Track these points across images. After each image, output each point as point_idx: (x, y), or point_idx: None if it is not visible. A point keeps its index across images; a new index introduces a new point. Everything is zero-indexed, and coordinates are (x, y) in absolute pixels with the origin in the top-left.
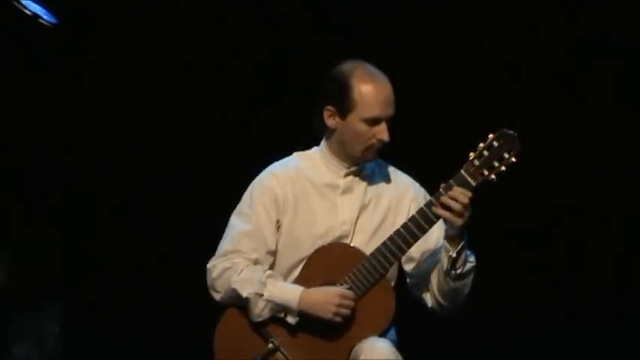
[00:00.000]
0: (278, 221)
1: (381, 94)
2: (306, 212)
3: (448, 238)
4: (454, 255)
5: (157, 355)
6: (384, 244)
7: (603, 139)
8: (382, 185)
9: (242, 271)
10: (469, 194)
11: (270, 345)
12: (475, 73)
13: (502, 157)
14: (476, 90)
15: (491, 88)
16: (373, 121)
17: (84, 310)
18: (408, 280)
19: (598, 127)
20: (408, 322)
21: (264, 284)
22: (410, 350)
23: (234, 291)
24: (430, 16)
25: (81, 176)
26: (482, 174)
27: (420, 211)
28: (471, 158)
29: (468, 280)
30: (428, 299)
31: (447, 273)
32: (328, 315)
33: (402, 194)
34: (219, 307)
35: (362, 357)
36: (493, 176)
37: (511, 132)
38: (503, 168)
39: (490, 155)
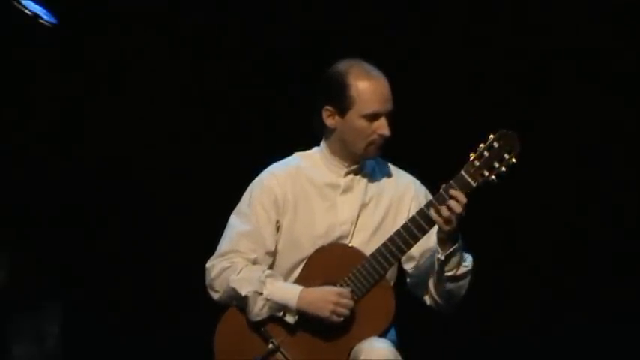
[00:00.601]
0: (277, 222)
1: (378, 90)
2: (306, 212)
3: (439, 240)
4: (442, 258)
5: (157, 355)
6: (384, 244)
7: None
8: (383, 184)
9: (241, 270)
10: (463, 201)
11: (270, 345)
12: (475, 73)
13: (502, 157)
14: (476, 90)
15: (492, 88)
16: (373, 117)
17: (84, 310)
18: (408, 279)
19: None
20: (408, 322)
21: (263, 283)
22: (410, 350)
23: (233, 290)
24: (430, 16)
25: (81, 176)
26: (482, 175)
27: (420, 212)
28: (471, 159)
29: (463, 283)
30: (426, 298)
31: (438, 275)
32: (326, 313)
33: (402, 193)
34: (219, 307)
35: (362, 357)
36: (493, 177)
37: (511, 133)
38: (503, 169)
39: (490, 156)
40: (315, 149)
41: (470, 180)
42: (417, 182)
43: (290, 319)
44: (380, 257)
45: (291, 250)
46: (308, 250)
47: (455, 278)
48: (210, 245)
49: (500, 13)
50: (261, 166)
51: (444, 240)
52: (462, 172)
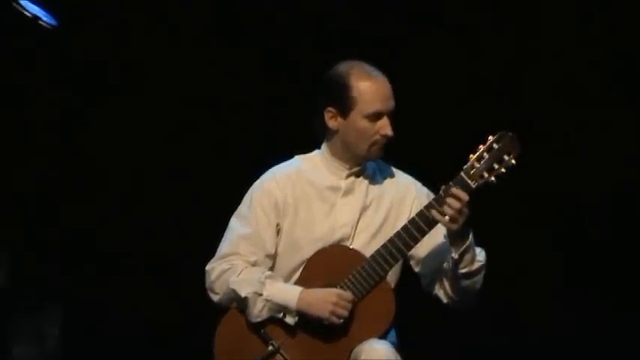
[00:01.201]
0: (278, 225)
1: (379, 89)
2: (306, 215)
3: (450, 239)
4: (456, 257)
5: (157, 355)
6: (383, 246)
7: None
8: (384, 185)
9: (241, 272)
10: (464, 199)
11: (270, 347)
12: (475, 73)
13: (502, 159)
14: (476, 90)
15: (492, 88)
16: (375, 117)
17: (84, 311)
18: (421, 280)
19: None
20: (408, 323)
21: (262, 284)
22: (410, 352)
23: (233, 291)
24: (430, 17)
25: (81, 176)
26: (481, 176)
27: (420, 214)
28: (470, 160)
29: (478, 278)
30: (442, 296)
31: (453, 273)
32: (325, 314)
33: (403, 194)
34: (220, 309)
35: (362, 358)
36: (493, 178)
37: (511, 134)
38: (503, 170)
39: (490, 157)
40: (315, 152)
41: (469, 181)
42: (418, 184)
43: (290, 320)
44: (380, 259)
45: (291, 253)
46: (308, 252)
47: (470, 274)
48: (210, 247)
49: (501, 14)
50: (262, 168)
51: (455, 239)
52: (462, 173)
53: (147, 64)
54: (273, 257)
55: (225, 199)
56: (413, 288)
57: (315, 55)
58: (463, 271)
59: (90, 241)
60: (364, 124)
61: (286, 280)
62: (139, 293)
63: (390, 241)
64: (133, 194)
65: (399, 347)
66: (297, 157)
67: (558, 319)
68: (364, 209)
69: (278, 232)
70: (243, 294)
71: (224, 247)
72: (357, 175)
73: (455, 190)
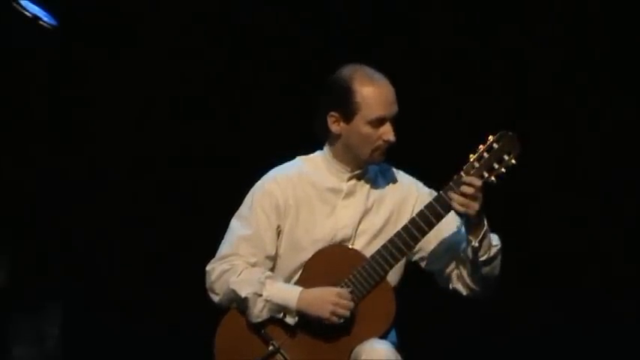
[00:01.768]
0: (278, 226)
1: (383, 94)
2: (307, 217)
3: (468, 229)
4: (476, 245)
5: (157, 356)
6: (383, 246)
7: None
8: (385, 188)
9: (241, 272)
10: (477, 184)
11: (271, 347)
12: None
13: (502, 159)
14: (476, 90)
15: (492, 88)
16: (378, 122)
17: (84, 311)
18: (436, 277)
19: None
20: (408, 323)
21: (262, 284)
22: (410, 351)
23: (233, 292)
24: (430, 18)
25: (81, 176)
26: (482, 176)
27: (420, 213)
28: (470, 160)
29: (496, 263)
30: (461, 289)
31: (473, 262)
32: (326, 314)
33: (405, 196)
34: (220, 309)
35: (362, 358)
36: (493, 178)
37: (511, 134)
38: (503, 170)
39: (490, 157)
40: (317, 153)
41: None
42: (420, 184)
43: (290, 320)
44: (380, 259)
45: (292, 254)
46: (309, 253)
47: (489, 261)
48: (210, 248)
49: (500, 13)
50: (263, 169)
51: (472, 226)
52: (462, 173)
53: (147, 64)
54: (274, 258)
55: (226, 199)
56: (413, 288)
57: (316, 54)
58: (483, 258)
59: (90, 241)
60: (367, 129)
61: (287, 280)
62: (138, 293)
63: (391, 241)
64: (134, 194)
65: (399, 347)
66: (298, 158)
67: (559, 319)
68: (366, 212)
69: (279, 233)
70: (243, 294)
71: (224, 247)
72: (359, 177)
73: (464, 178)
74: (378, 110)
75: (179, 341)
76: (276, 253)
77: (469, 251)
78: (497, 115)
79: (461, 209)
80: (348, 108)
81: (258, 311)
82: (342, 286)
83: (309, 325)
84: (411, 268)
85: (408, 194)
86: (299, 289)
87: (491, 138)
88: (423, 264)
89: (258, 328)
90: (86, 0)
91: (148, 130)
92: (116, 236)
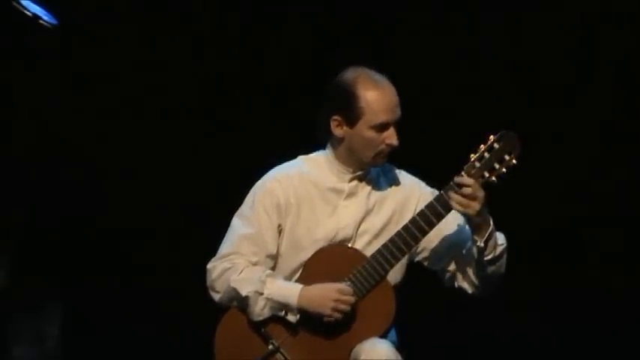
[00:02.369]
0: (280, 225)
1: (386, 99)
2: (308, 216)
3: (473, 229)
4: (482, 245)
5: (157, 355)
6: (384, 245)
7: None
8: (387, 189)
9: (242, 271)
10: (474, 185)
11: (271, 346)
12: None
13: (503, 159)
14: (476, 91)
15: (492, 89)
16: (382, 127)
17: (84, 311)
18: (441, 276)
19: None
20: (408, 322)
21: (263, 282)
22: (410, 351)
23: (234, 290)
24: (431, 18)
25: (81, 176)
26: (482, 176)
27: (421, 213)
28: (471, 160)
29: (502, 262)
30: (467, 287)
31: (479, 262)
32: (327, 310)
33: (407, 196)
34: (220, 308)
35: (362, 357)
36: (494, 178)
37: (512, 134)
38: (504, 170)
39: (491, 157)
40: (319, 153)
41: None
42: (423, 183)
43: (292, 318)
44: (380, 258)
45: (292, 253)
46: (309, 252)
47: (494, 260)
48: (211, 246)
49: (502, 13)
50: (264, 168)
51: (477, 226)
52: (463, 173)
53: (147, 64)
54: (275, 257)
55: (227, 197)
56: (413, 288)
57: (318, 53)
58: (488, 257)
59: (90, 241)
60: (370, 134)
61: (288, 279)
62: (138, 293)
63: (391, 240)
64: (134, 194)
65: (399, 346)
66: (300, 158)
67: (559, 319)
68: (367, 212)
69: (280, 232)
70: (244, 293)
71: (225, 246)
72: (361, 178)
73: (459, 179)
74: (382, 115)
75: (179, 341)
76: (277, 252)
77: (475, 251)
78: (498, 115)
79: (460, 209)
80: (351, 113)
81: (260, 309)
82: None
83: (309, 323)
84: (412, 267)
85: (410, 194)
86: (299, 286)
87: (492, 138)
88: (426, 263)
89: (258, 327)
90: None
91: (150, 130)
92: (116, 236)
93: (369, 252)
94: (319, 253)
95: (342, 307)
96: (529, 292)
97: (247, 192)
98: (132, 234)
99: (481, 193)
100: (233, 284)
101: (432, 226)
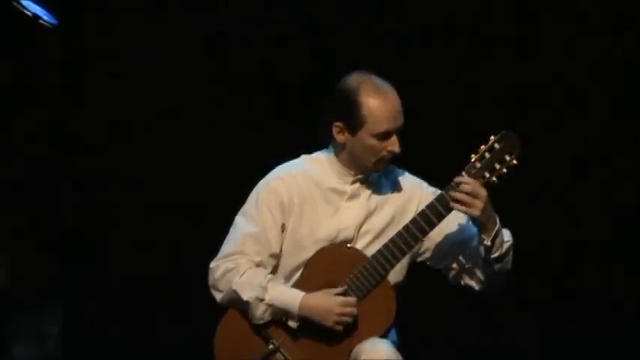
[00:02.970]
0: (283, 225)
1: (389, 108)
2: (310, 216)
3: (479, 228)
4: (489, 243)
5: (157, 355)
6: (384, 245)
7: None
8: (388, 190)
9: (244, 273)
10: (473, 184)
11: (271, 346)
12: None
13: (503, 159)
14: (477, 90)
15: (492, 88)
16: (384, 135)
17: (84, 311)
18: (446, 274)
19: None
20: (408, 322)
21: (264, 289)
22: (410, 351)
23: (235, 292)
24: (431, 19)
25: (81, 175)
26: (483, 176)
27: (421, 213)
28: (472, 160)
29: (508, 259)
30: (474, 284)
31: (486, 260)
32: (329, 323)
33: (409, 197)
34: (220, 308)
35: (362, 357)
36: (494, 178)
37: (513, 134)
38: (504, 170)
39: (491, 157)
40: (322, 153)
41: None
42: (425, 184)
43: (292, 324)
44: (381, 258)
45: (294, 252)
46: (311, 252)
47: (501, 257)
48: (212, 245)
49: (502, 12)
50: (266, 167)
51: (484, 225)
52: (463, 173)
53: (146, 64)
54: (278, 256)
55: (229, 196)
56: (413, 288)
57: (319, 51)
58: (495, 255)
59: (90, 241)
60: (372, 142)
61: (288, 278)
62: (138, 292)
63: (392, 240)
64: (135, 193)
65: (399, 346)
66: (303, 157)
67: (559, 319)
68: (368, 214)
69: (283, 231)
70: (245, 297)
71: (229, 245)
72: (363, 180)
73: (458, 179)
74: (385, 124)
75: (179, 341)
76: (280, 251)
77: (481, 250)
78: (499, 115)
79: (461, 209)
80: (353, 120)
81: (261, 314)
82: (342, 286)
83: (310, 324)
84: (412, 267)
85: (412, 195)
86: (301, 293)
87: (492, 138)
88: (430, 262)
89: (258, 327)
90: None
91: (150, 129)
92: (116, 236)
93: (369, 252)
94: (320, 253)
95: (345, 319)
96: (529, 292)
97: (250, 190)
98: (132, 234)
99: (482, 193)
100: (234, 287)
101: (432, 226)
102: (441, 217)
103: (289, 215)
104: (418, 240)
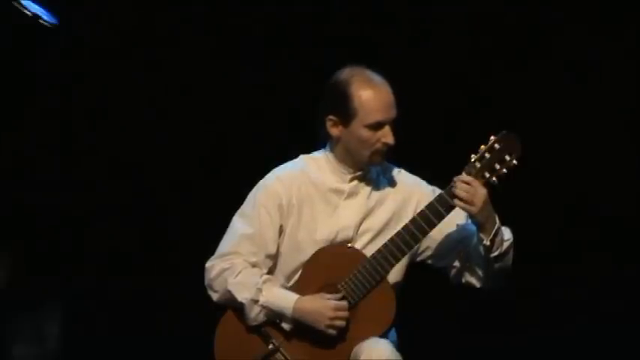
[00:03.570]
0: (281, 226)
1: (381, 99)
2: (309, 217)
3: (478, 227)
4: (488, 243)
5: (157, 355)
6: (384, 245)
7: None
8: (387, 188)
9: (240, 273)
10: (473, 184)
11: (271, 346)
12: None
13: (503, 159)
14: (477, 91)
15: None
16: (376, 126)
17: (84, 310)
18: (447, 271)
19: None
20: (408, 322)
21: (260, 290)
22: (410, 351)
23: (230, 293)
24: (432, 17)
25: (81, 175)
26: (483, 176)
27: (421, 213)
28: (472, 160)
29: (509, 256)
30: (475, 282)
31: (486, 259)
32: (321, 326)
33: (407, 196)
34: (220, 307)
35: (362, 357)
36: (494, 179)
37: (513, 134)
38: (504, 170)
39: (491, 157)
40: (320, 152)
41: None
42: (423, 183)
43: (286, 326)
44: (380, 258)
45: (293, 254)
46: (310, 253)
47: (501, 256)
48: (211, 245)
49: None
50: (266, 167)
51: (483, 224)
52: (463, 173)
53: (147, 63)
54: (274, 258)
55: (227, 196)
56: (413, 287)
57: (319, 53)
58: (495, 254)
59: (90, 241)
60: (365, 133)
61: (288, 279)
62: (138, 292)
63: (391, 240)
64: (134, 193)
65: (399, 347)
66: (301, 157)
67: (559, 319)
68: (367, 213)
69: (281, 233)
70: (239, 298)
71: (225, 245)
72: (361, 178)
73: (458, 177)
74: (376, 115)
75: (179, 341)
76: (277, 253)
77: (481, 249)
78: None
79: (462, 206)
80: (345, 112)
81: (255, 315)
82: (342, 285)
83: (309, 325)
84: (412, 267)
85: (410, 194)
86: (295, 296)
87: (492, 138)
88: (431, 261)
89: (258, 327)
90: None
91: (150, 128)
92: (116, 236)
93: (369, 252)
94: (319, 253)
95: (338, 323)
96: (530, 292)
97: (248, 190)
98: (132, 234)
99: (482, 191)
100: (230, 287)
101: (432, 226)
102: (440, 218)
103: (288, 217)
104: (418, 240)
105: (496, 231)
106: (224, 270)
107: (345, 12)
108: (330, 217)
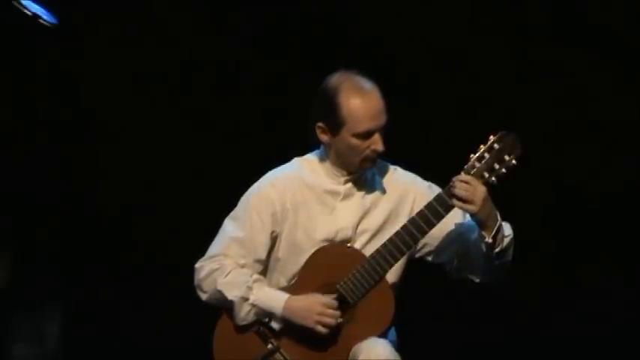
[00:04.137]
0: (273, 232)
1: (369, 108)
2: (306, 218)
3: (479, 225)
4: (490, 240)
5: (157, 355)
6: (383, 245)
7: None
8: (383, 187)
9: (229, 273)
10: (468, 179)
11: (270, 346)
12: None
13: (502, 159)
14: (477, 91)
15: (492, 89)
16: (365, 135)
17: (84, 311)
18: (446, 268)
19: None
20: (407, 322)
21: (250, 288)
22: (410, 351)
23: (220, 292)
24: (431, 16)
25: (81, 175)
26: (482, 176)
27: (420, 213)
28: (471, 160)
29: (509, 252)
30: (474, 277)
31: (487, 255)
32: (310, 323)
33: (404, 194)
34: (219, 307)
35: (361, 357)
36: (493, 178)
37: (512, 134)
38: (503, 170)
39: (491, 157)
40: (314, 154)
41: None
42: (419, 180)
43: (276, 325)
44: (379, 258)
45: (293, 257)
46: (310, 253)
47: (502, 252)
48: (206, 246)
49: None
50: (258, 167)
51: (484, 222)
52: (462, 172)
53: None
54: (264, 262)
55: (223, 198)
56: (412, 287)
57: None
58: (496, 250)
59: (90, 241)
60: (354, 141)
61: (288, 282)
62: (138, 292)
63: (390, 240)
64: (133, 193)
65: (399, 347)
66: (295, 160)
67: (559, 319)
68: (364, 213)
69: (275, 238)
70: (229, 297)
71: (214, 247)
72: (356, 180)
73: (457, 177)
74: (365, 124)
75: (179, 341)
76: (268, 257)
77: (483, 246)
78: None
79: (459, 205)
80: (334, 121)
81: (245, 314)
82: (341, 285)
83: (296, 325)
84: (412, 267)
85: (407, 192)
86: (286, 295)
87: (492, 138)
88: (430, 258)
89: (257, 327)
90: None
91: (149, 128)
92: (116, 235)
93: (367, 251)
94: (318, 253)
95: (327, 320)
96: (529, 292)
97: (242, 190)
98: (132, 234)
99: (481, 190)
100: (219, 287)
101: (431, 226)
102: (439, 217)
103: (283, 222)
104: (417, 240)
105: (497, 229)
106: (213, 270)
107: (345, 12)
108: (328, 217)
